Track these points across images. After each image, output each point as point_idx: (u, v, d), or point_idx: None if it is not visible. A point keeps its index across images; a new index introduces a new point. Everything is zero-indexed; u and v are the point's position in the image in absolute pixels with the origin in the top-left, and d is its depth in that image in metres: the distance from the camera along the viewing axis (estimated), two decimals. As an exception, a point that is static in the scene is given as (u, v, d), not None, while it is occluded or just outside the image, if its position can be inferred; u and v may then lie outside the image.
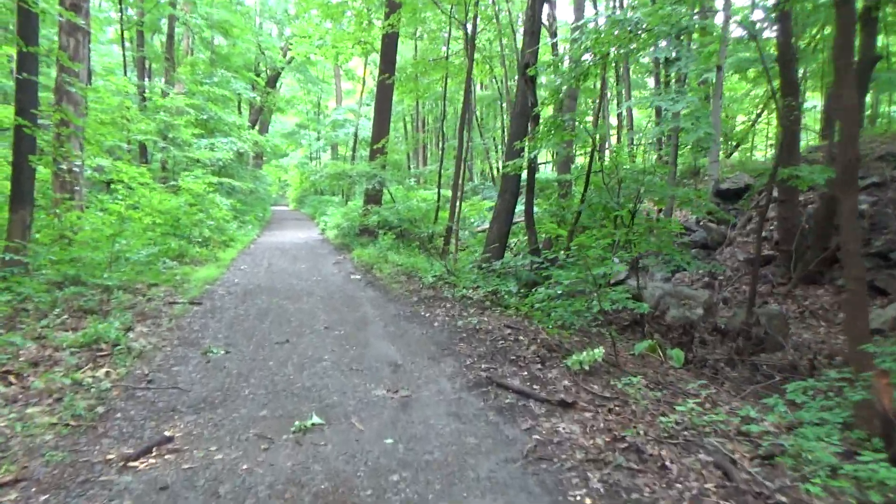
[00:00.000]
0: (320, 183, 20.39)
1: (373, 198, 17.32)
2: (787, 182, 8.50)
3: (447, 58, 17.47)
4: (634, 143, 22.49)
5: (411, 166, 35.37)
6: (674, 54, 9.46)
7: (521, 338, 6.54)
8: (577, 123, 9.38)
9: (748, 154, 24.89)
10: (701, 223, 13.82)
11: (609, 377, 5.22)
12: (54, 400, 4.45)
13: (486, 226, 19.73)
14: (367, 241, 15.92)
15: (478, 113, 31.32)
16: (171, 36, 22.76)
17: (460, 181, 14.70)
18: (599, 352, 5.16)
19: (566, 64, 10.01)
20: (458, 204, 14.46)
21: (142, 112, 18.39)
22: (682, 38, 8.15)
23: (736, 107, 25.18)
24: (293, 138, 43.13)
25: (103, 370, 5.19)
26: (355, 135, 26.85)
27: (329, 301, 8.87)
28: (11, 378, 4.81)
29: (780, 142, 10.29)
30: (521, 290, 8.77)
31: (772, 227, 12.00)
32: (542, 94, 11.64)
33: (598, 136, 9.63)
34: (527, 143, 9.25)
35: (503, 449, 3.84)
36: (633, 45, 7.22)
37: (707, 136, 15.28)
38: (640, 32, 6.93)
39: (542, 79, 16.35)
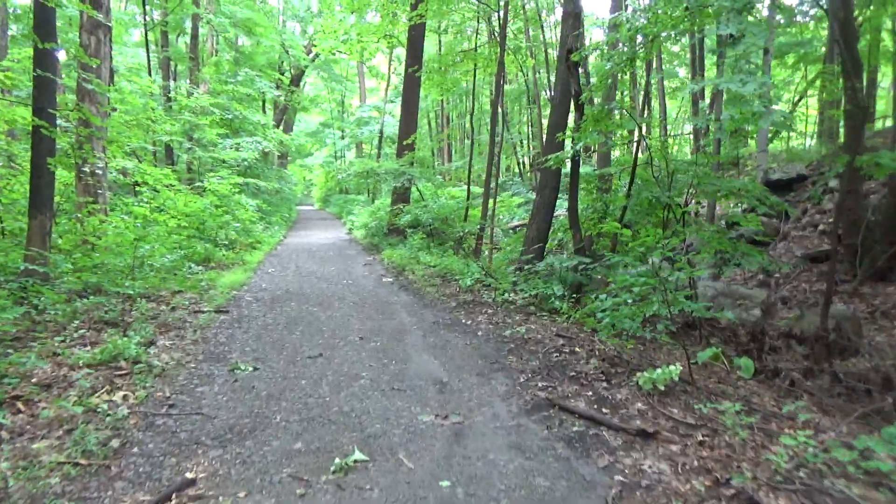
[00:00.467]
0: (347, 182, 19.94)
1: (401, 196, 16.77)
2: (861, 170, 7.71)
3: (476, 49, 16.78)
4: (671, 133, 21.61)
5: (435, 164, 34.76)
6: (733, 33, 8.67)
7: (576, 349, 5.90)
8: (623, 112, 8.69)
9: (787, 142, 23.83)
10: (747, 215, 13.01)
11: (686, 397, 4.57)
12: (65, 432, 3.93)
13: (517, 223, 19.10)
14: (396, 241, 15.37)
15: (498, 108, 30.61)
16: (195, 36, 22.44)
17: (492, 177, 14.08)
18: (675, 369, 4.50)
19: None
20: (490, 201, 13.85)
21: (167, 113, 18.07)
22: (743, 13, 7.42)
23: (773, 94, 24.10)
24: (317, 137, 42.79)
25: (121, 393, 4.67)
26: (380, 132, 26.32)
27: (362, 307, 8.31)
28: (20, 405, 4.31)
29: (847, 127, 9.48)
30: (567, 294, 8.12)
31: (830, 220, 11.18)
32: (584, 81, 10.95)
33: (643, 126, 8.92)
34: (570, 135, 8.58)
35: (582, 495, 3.21)
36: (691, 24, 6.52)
37: (755, 123, 14.47)
38: (699, 9, 6.23)
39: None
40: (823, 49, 17.02)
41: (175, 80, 24.58)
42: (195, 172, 18.52)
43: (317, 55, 30.59)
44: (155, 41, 23.78)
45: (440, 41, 27.40)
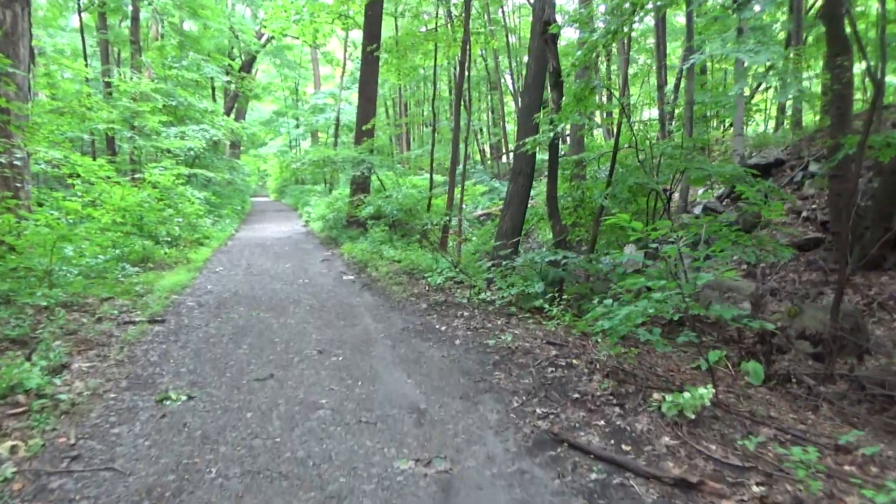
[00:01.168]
0: (302, 171, 18.72)
1: (360, 186, 15.71)
2: (870, 152, 7.06)
3: (437, 29, 15.76)
4: (636, 119, 21.01)
5: (394, 152, 33.63)
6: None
7: (573, 361, 5.04)
8: (606, 91, 7.85)
9: (761, 126, 23.50)
10: (724, 201, 12.44)
11: (720, 426, 3.74)
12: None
13: (482, 212, 18.22)
14: (356, 234, 14.33)
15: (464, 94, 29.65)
16: (135, 18, 20.72)
17: (458, 165, 13.16)
18: (707, 392, 3.67)
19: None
20: (457, 190, 12.94)
21: (106, 100, 16.56)
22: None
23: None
24: (271, 126, 41.10)
25: (8, 443, 3.60)
26: (337, 119, 25.06)
27: (321, 312, 7.31)
28: None
29: (833, 108, 8.84)
30: (550, 292, 7.27)
31: (813, 207, 10.62)
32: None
33: (624, 107, 8.09)
34: (549, 117, 7.71)
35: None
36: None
37: (730, 106, 13.89)
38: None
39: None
40: (783, 34, 16.54)
41: (119, 66, 22.84)
42: (138, 163, 17.08)
43: (269, 40, 29.09)
44: (95, 26, 22.00)
45: (397, 26, 26.24)
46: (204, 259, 11.36)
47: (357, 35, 30.14)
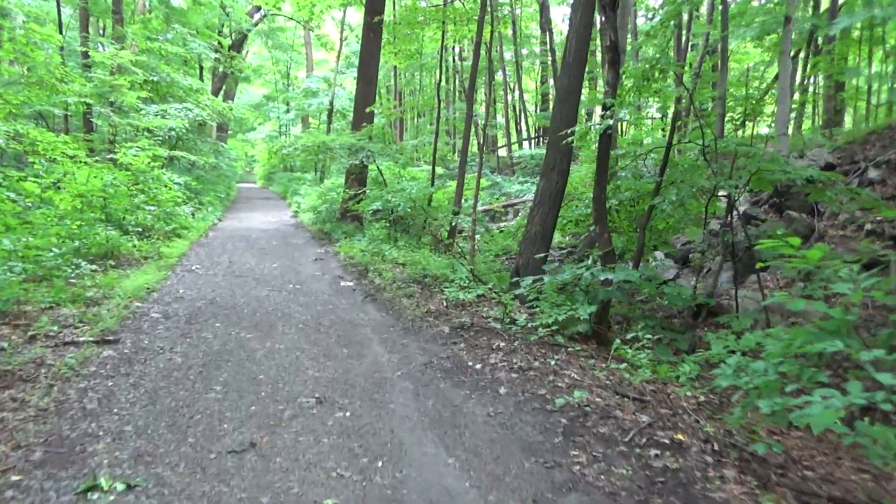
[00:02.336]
0: (293, 157, 17.13)
1: (357, 176, 14.13)
2: None
3: (445, 3, 14.15)
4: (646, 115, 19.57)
5: (394, 140, 31.96)
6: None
7: (679, 438, 3.57)
8: (673, 72, 6.37)
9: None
10: (762, 206, 11.06)
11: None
12: None
13: (485, 207, 16.70)
14: (352, 230, 12.78)
15: (456, 83, 28.08)
16: (118, -13, 18.90)
17: (467, 157, 11.68)
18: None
19: None
20: (464, 184, 11.49)
21: (83, 73, 14.81)
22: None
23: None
24: (261, 110, 39.25)
25: None
26: (331, 104, 23.32)
27: (317, 333, 5.78)
28: None
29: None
30: (595, 316, 5.82)
31: (878, 218, 9.27)
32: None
33: (691, 94, 6.62)
34: (604, 100, 6.24)
35: None
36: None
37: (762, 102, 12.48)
38: None
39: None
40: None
41: (102, 38, 20.95)
42: (118, 143, 15.35)
43: (262, 18, 27.29)
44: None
45: (394, 5, 24.58)
46: (179, 254, 9.74)
47: (353, 18, 28.53)
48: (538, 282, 5.85)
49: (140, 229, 10.17)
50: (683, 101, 6.89)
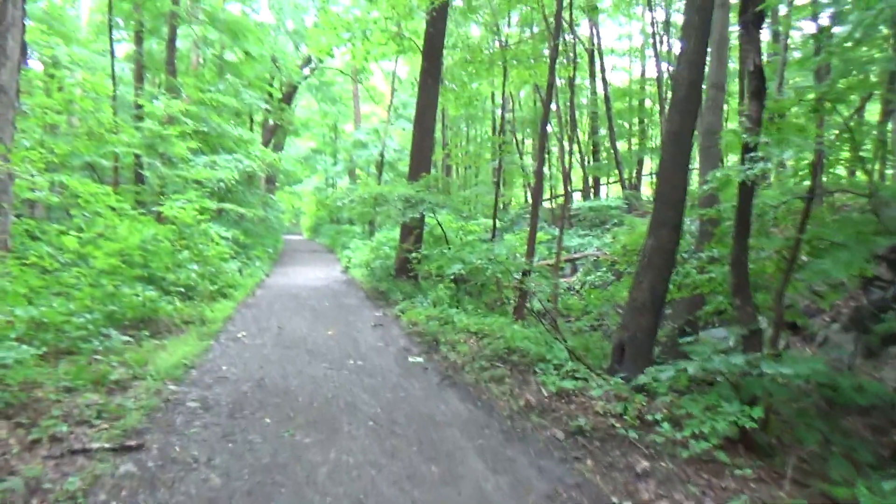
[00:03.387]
0: (347, 210, 16.25)
1: (412, 230, 13.04)
2: None
3: (505, 45, 13.16)
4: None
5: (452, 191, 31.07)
6: None
7: None
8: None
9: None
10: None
11: None
12: None
13: (543, 262, 15.28)
14: (409, 289, 11.57)
15: (508, 133, 27.20)
16: (171, 40, 18.66)
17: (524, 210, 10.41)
18: None
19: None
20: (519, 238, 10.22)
21: (135, 125, 14.30)
22: None
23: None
24: (308, 163, 39.04)
25: None
26: (381, 155, 22.51)
27: (391, 437, 4.45)
28: None
29: None
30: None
31: None
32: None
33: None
34: (747, 138, 4.93)
35: None
36: None
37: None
38: None
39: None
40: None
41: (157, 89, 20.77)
42: (165, 195, 14.66)
43: (312, 70, 27.06)
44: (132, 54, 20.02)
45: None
46: (223, 318, 8.64)
47: (402, 70, 28.05)
48: (682, 372, 4.44)
49: (182, 289, 9.13)
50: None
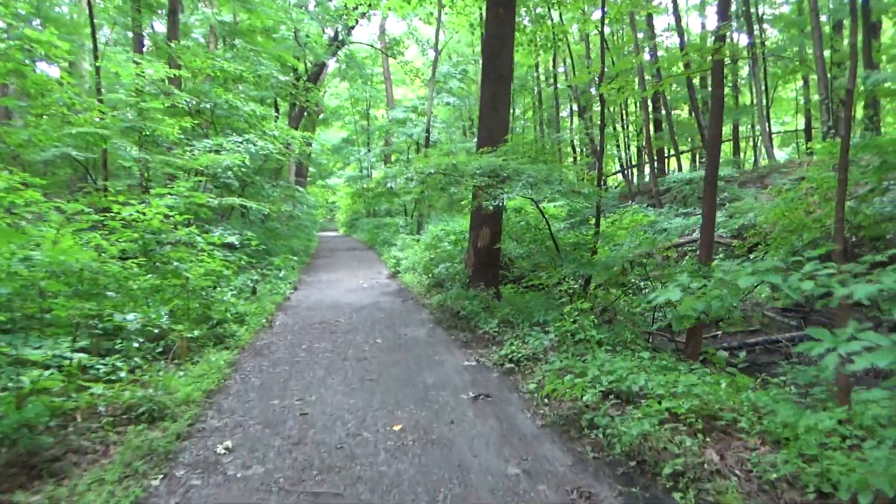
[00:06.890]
0: (405, 193, 12.36)
1: (487, 218, 8.91)
2: None
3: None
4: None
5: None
6: None
7: None
8: None
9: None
10: None
11: None
12: None
13: (643, 251, 10.81)
14: (500, 306, 7.44)
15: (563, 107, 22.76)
16: (173, 11, 14.73)
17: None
18: None
19: None
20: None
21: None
22: None
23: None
24: (341, 154, 34.98)
25: None
26: (427, 131, 18.17)
27: None
28: None
29: None
30: None
31: None
32: None
33: None
34: None
35: None
36: None
37: None
38: None
39: None
40: None
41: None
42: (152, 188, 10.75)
43: (340, 43, 22.89)
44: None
45: None
46: (200, 397, 4.60)
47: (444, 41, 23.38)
48: None
49: (138, 343, 5.13)
50: None
